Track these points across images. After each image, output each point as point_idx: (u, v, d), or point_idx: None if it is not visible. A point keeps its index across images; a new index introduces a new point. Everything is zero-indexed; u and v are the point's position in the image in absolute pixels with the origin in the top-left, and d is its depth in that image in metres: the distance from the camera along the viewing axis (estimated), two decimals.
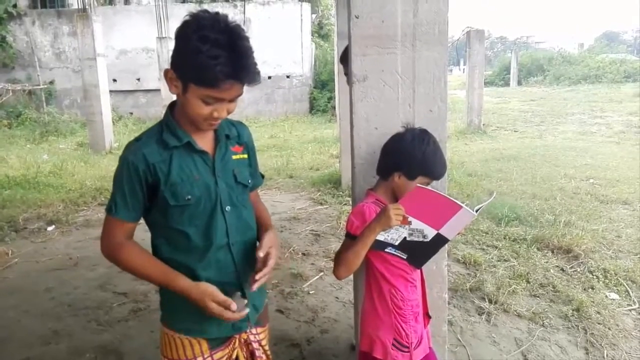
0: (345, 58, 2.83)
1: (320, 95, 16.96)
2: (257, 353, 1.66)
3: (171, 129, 1.49)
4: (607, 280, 3.90)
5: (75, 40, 12.61)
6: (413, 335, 1.80)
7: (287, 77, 17.13)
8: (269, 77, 16.73)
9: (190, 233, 1.50)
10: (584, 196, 6.28)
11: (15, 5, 15.93)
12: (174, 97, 1.51)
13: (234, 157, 1.59)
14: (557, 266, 4.19)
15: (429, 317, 1.97)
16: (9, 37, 15.84)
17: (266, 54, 15.52)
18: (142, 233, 1.59)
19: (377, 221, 1.65)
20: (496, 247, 4.60)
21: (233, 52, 1.31)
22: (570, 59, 28.55)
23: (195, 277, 1.50)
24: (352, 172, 2.12)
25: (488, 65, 33.79)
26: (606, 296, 3.68)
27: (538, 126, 13.35)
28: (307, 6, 17.11)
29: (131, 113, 16.63)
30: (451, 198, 1.61)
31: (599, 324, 3.28)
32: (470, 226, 4.96)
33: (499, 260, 4.33)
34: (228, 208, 1.54)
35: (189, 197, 1.47)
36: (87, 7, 11.01)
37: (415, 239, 1.71)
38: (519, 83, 27.06)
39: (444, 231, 1.69)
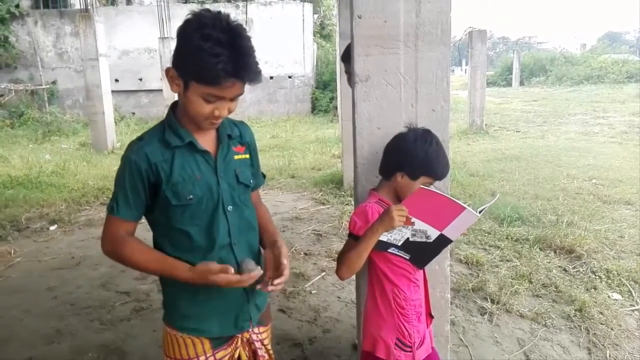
0: (346, 56, 2.81)
1: (322, 96, 16.96)
2: (260, 352, 1.66)
3: (173, 128, 1.50)
4: (610, 281, 3.89)
5: (77, 40, 12.62)
6: (416, 335, 1.80)
7: (289, 77, 17.14)
8: (271, 78, 16.75)
9: (192, 233, 1.50)
10: (586, 196, 6.27)
11: (17, 6, 15.97)
12: (176, 97, 1.51)
13: (236, 157, 1.59)
14: (559, 266, 4.19)
15: (432, 317, 1.97)
16: (12, 37, 15.88)
17: (268, 54, 15.55)
18: (144, 233, 1.59)
19: (380, 222, 1.65)
20: (498, 247, 4.59)
21: (235, 50, 1.31)
22: (572, 59, 28.49)
23: None
24: (354, 172, 2.12)
25: (490, 66, 33.82)
26: (609, 296, 3.67)
27: (540, 126, 13.33)
28: (309, 6, 17.11)
29: (133, 113, 16.66)
30: (454, 199, 1.61)
31: (601, 324, 3.27)
32: (472, 226, 4.95)
33: (501, 261, 4.32)
34: (230, 208, 1.54)
35: (191, 196, 1.47)
36: (89, 7, 11.04)
37: (418, 240, 1.71)
38: (521, 83, 27.03)
39: (447, 232, 1.69)
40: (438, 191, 1.64)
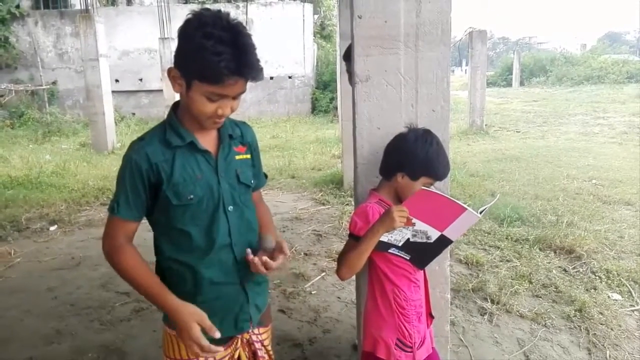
0: (348, 55, 2.82)
1: (322, 96, 16.97)
2: (260, 353, 1.66)
3: (174, 128, 1.50)
4: (610, 281, 3.89)
5: (77, 40, 12.63)
6: (416, 336, 1.80)
7: (289, 77, 17.15)
8: (271, 78, 16.75)
9: (193, 233, 1.50)
10: (586, 197, 6.27)
11: (18, 6, 16.00)
12: (177, 98, 1.51)
13: (237, 157, 1.59)
14: (559, 267, 4.19)
15: (432, 317, 1.97)
16: (12, 37, 15.90)
17: (268, 54, 15.55)
18: (145, 233, 1.59)
19: (380, 223, 1.65)
20: (498, 248, 4.59)
21: (237, 48, 1.31)
22: (572, 59, 28.47)
23: (197, 277, 1.51)
24: (354, 172, 2.12)
25: (490, 66, 33.83)
26: (609, 297, 3.67)
27: (540, 127, 13.33)
28: (309, 7, 17.12)
29: (133, 113, 16.67)
30: (455, 200, 1.61)
31: (601, 324, 3.27)
32: (472, 227, 4.94)
33: (501, 261, 4.32)
34: (230, 208, 1.54)
35: (192, 196, 1.47)
36: (89, 7, 11.06)
37: (419, 240, 1.71)
38: (522, 84, 27.03)
39: (447, 232, 1.69)
40: (439, 192, 1.64)
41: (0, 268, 4.52)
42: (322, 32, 20.39)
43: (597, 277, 3.96)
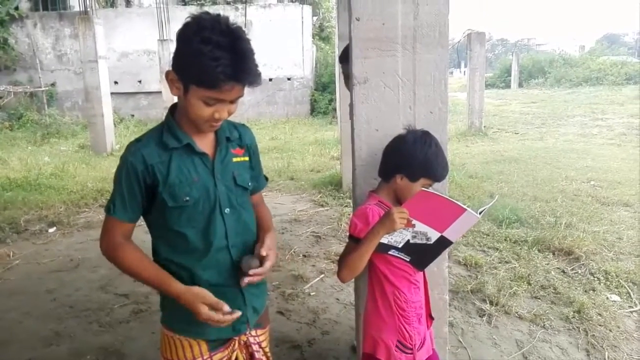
0: (344, 57, 2.82)
1: (321, 97, 16.98)
2: (257, 355, 1.66)
3: (171, 130, 1.50)
4: (608, 282, 3.90)
5: (76, 42, 12.64)
6: (416, 337, 1.81)
7: (288, 79, 17.15)
8: (270, 80, 16.75)
9: (189, 234, 1.51)
10: (584, 198, 6.28)
11: (17, 8, 16.00)
12: (175, 99, 1.51)
13: (234, 159, 1.59)
14: (558, 268, 4.19)
15: (432, 318, 1.97)
16: (11, 39, 15.90)
17: (267, 56, 15.55)
18: (143, 235, 1.60)
19: (381, 224, 1.65)
20: (497, 249, 4.60)
21: (234, 54, 1.31)
22: (571, 61, 28.50)
23: (194, 279, 1.51)
24: (353, 174, 2.12)
25: (489, 68, 33.84)
26: (607, 298, 3.67)
27: (539, 128, 13.34)
28: (308, 8, 17.14)
29: (132, 115, 16.66)
30: (455, 201, 1.62)
31: (600, 325, 3.28)
32: (471, 228, 4.95)
33: (500, 262, 4.33)
34: (227, 210, 1.54)
35: (187, 198, 1.48)
36: (88, 9, 11.06)
37: (419, 242, 1.71)
38: (520, 85, 27.05)
39: (447, 234, 1.69)
40: (438, 193, 1.65)
41: None
42: (321, 34, 20.41)
43: (595, 279, 3.96)
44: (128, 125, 14.77)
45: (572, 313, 3.42)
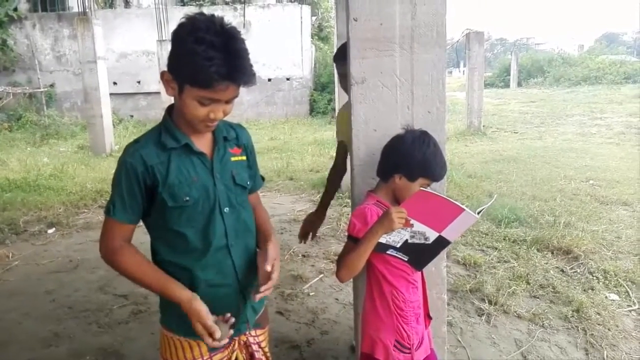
0: (339, 56, 2.76)
1: (320, 98, 16.98)
2: (257, 355, 1.66)
3: (169, 130, 1.50)
4: (607, 281, 3.90)
5: (75, 43, 12.64)
6: (414, 337, 1.81)
7: (287, 79, 17.15)
8: (269, 80, 16.76)
9: (189, 234, 1.51)
10: (583, 197, 6.29)
11: (16, 9, 15.99)
12: (173, 100, 1.51)
13: (232, 158, 1.59)
14: (557, 267, 4.20)
15: (430, 318, 1.97)
16: (10, 40, 15.89)
17: (266, 56, 15.57)
18: (142, 236, 1.60)
19: (379, 224, 1.65)
20: (496, 249, 4.60)
21: (228, 53, 1.32)
22: (570, 60, 28.52)
23: (193, 279, 1.51)
24: (351, 174, 2.12)
25: (488, 67, 33.82)
26: (606, 297, 3.68)
27: (538, 127, 13.35)
28: (307, 9, 17.14)
29: (131, 116, 16.67)
30: (453, 201, 1.62)
31: (598, 324, 3.28)
32: (470, 228, 4.96)
33: (498, 262, 4.33)
34: (226, 209, 1.55)
35: (187, 198, 1.48)
36: (87, 10, 11.05)
37: (417, 242, 1.72)
38: (519, 84, 27.05)
39: (445, 234, 1.69)
40: (437, 193, 1.65)
41: None
42: (319, 34, 20.41)
43: (594, 278, 3.97)
44: (127, 126, 14.77)
45: (571, 312, 3.43)
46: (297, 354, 3.05)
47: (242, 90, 1.42)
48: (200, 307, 1.44)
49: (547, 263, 4.26)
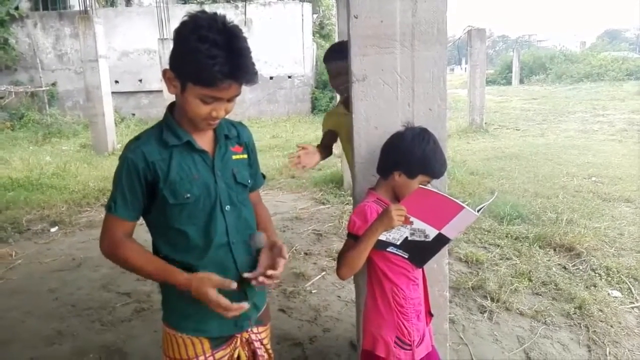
0: (328, 57, 2.79)
1: (321, 95, 16.96)
2: (259, 352, 1.67)
3: (171, 128, 1.51)
4: (610, 278, 3.90)
5: (77, 42, 12.64)
6: (415, 334, 1.81)
7: (289, 77, 17.14)
8: (271, 78, 16.76)
9: (190, 232, 1.51)
10: (586, 194, 6.28)
11: (17, 8, 16.00)
12: (175, 98, 1.52)
13: (233, 157, 1.60)
14: (559, 264, 4.19)
15: (431, 315, 1.97)
16: (11, 39, 15.90)
17: (268, 54, 15.57)
18: (144, 234, 1.60)
19: (379, 222, 1.66)
20: (498, 246, 4.60)
21: (231, 52, 1.32)
22: (572, 57, 28.43)
23: None
24: (352, 171, 2.13)
25: (490, 64, 33.74)
26: (608, 294, 3.67)
27: (540, 124, 13.33)
28: (308, 6, 17.12)
29: (133, 114, 16.68)
30: (453, 198, 1.62)
31: (601, 321, 3.28)
32: (472, 225, 4.95)
33: (501, 259, 4.33)
34: (228, 207, 1.55)
35: (188, 195, 1.48)
36: (88, 8, 11.05)
37: (417, 239, 1.72)
38: (521, 81, 26.98)
39: (445, 231, 1.70)
40: (437, 190, 1.65)
41: (2, 270, 4.53)
42: (321, 32, 20.38)
43: (596, 275, 3.96)
44: (129, 125, 14.78)
45: (573, 309, 3.43)
46: (300, 351, 3.06)
47: (244, 88, 1.42)
48: (204, 273, 1.45)
49: (549, 260, 4.25)
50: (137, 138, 1.52)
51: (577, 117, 14.11)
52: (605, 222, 5.18)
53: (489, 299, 3.62)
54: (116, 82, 15.64)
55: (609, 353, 2.96)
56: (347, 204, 6.16)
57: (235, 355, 1.63)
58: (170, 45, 1.40)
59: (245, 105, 16.35)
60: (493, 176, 7.45)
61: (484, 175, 7.48)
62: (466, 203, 1.63)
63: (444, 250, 2.11)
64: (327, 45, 18.51)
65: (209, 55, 1.29)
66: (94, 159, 10.04)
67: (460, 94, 18.68)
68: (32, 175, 8.09)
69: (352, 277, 2.13)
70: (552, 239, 4.62)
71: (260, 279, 1.51)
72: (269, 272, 1.50)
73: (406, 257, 1.77)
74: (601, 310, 3.40)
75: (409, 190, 1.70)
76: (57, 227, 5.71)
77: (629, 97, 16.85)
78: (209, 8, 13.95)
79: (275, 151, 10.36)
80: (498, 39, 76.28)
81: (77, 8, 14.46)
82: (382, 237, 1.70)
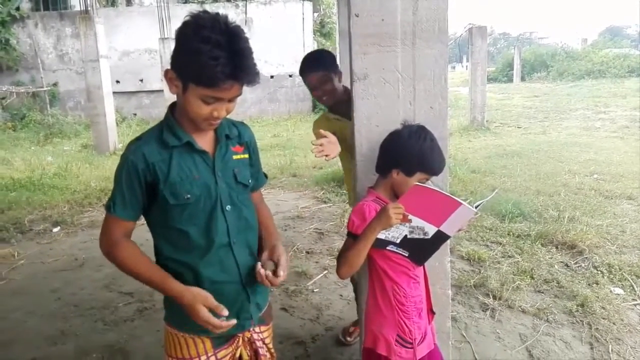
0: (304, 70, 2.67)
1: None
2: (261, 351, 1.67)
3: (171, 128, 1.51)
4: (612, 275, 3.90)
5: (78, 42, 12.64)
6: (416, 332, 1.81)
7: (290, 76, 17.12)
8: (272, 77, 16.76)
9: (191, 232, 1.51)
10: (587, 192, 6.27)
11: (18, 8, 16.01)
12: (176, 98, 1.52)
13: (234, 156, 1.60)
14: (561, 262, 4.19)
15: (433, 313, 1.97)
16: (13, 39, 15.89)
17: (268, 53, 15.55)
18: (146, 234, 1.60)
19: (377, 220, 1.65)
20: (500, 244, 4.60)
21: (233, 53, 1.32)
22: (573, 54, 28.35)
23: (197, 277, 1.52)
24: (353, 170, 2.13)
25: (491, 62, 33.70)
26: (611, 291, 3.67)
27: (542, 122, 13.31)
28: (308, 5, 17.10)
29: (135, 114, 16.69)
30: (450, 195, 1.61)
31: (603, 319, 3.27)
32: (474, 223, 4.96)
33: (503, 257, 4.33)
34: (228, 207, 1.55)
35: (189, 196, 1.48)
36: (89, 8, 11.05)
37: (416, 237, 1.71)
38: (522, 79, 26.93)
39: (444, 228, 1.69)
40: (433, 188, 1.64)
41: (4, 270, 4.54)
42: (322, 30, 20.37)
43: (599, 272, 3.96)
44: (130, 124, 14.81)
45: (575, 307, 3.42)
46: (302, 350, 3.06)
47: (245, 87, 1.42)
48: (203, 291, 1.46)
49: (551, 258, 4.25)
50: (138, 138, 1.53)
51: (579, 115, 14.09)
52: (607, 219, 5.18)
53: (491, 296, 3.62)
54: (117, 82, 15.64)
55: (612, 350, 2.96)
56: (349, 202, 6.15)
57: (237, 355, 1.64)
58: (171, 45, 1.40)
59: (247, 105, 16.35)
60: (495, 174, 7.44)
61: (486, 173, 7.47)
62: (467, 201, 1.63)
63: (446, 248, 2.11)
64: (328, 44, 18.58)
65: (211, 56, 1.29)
66: (96, 159, 10.06)
67: (462, 92, 18.67)
68: (34, 175, 8.11)
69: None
70: (554, 236, 4.62)
71: (263, 271, 1.52)
72: (270, 275, 1.51)
73: (406, 255, 1.77)
74: (603, 308, 3.39)
75: (408, 188, 1.69)
76: (59, 227, 5.72)
77: (630, 94, 16.80)
78: (209, 7, 13.94)
79: (277, 150, 10.37)
80: (499, 36, 76.22)
81: (77, 8, 14.43)
82: (381, 236, 1.69)
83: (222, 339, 1.60)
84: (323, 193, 6.77)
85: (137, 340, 3.27)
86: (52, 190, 7.26)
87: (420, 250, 1.76)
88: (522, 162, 8.23)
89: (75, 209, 6.41)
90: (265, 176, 1.82)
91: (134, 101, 16.86)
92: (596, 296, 3.54)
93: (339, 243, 4.81)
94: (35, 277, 4.39)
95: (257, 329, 1.67)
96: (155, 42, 13.70)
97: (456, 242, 4.54)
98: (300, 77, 2.76)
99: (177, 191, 1.47)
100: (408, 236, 1.71)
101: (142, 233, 1.56)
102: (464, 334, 3.17)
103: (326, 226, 5.42)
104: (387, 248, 1.75)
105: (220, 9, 15.41)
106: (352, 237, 1.74)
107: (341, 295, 3.77)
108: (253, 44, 1.39)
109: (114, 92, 11.71)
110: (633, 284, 3.77)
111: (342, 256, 1.77)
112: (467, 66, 18.95)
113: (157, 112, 15.86)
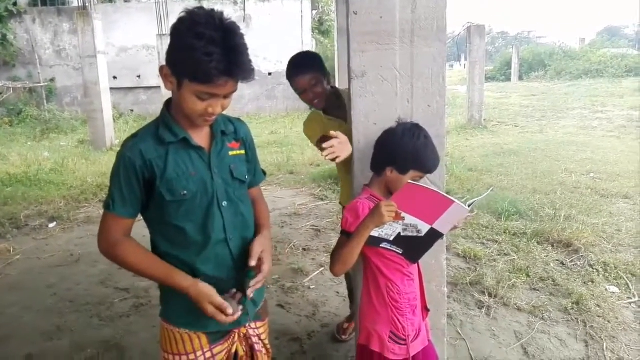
0: (290, 74, 2.63)
1: None
2: (257, 347, 1.67)
3: (167, 125, 1.50)
4: (607, 274, 3.91)
5: (75, 37, 12.63)
6: (410, 328, 1.81)
7: None
8: (270, 74, 16.74)
9: (187, 228, 1.51)
10: (584, 190, 6.29)
11: (15, 4, 15.96)
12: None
13: (230, 153, 1.60)
14: (557, 260, 4.21)
15: (428, 310, 1.98)
16: (10, 35, 15.85)
17: (266, 50, 15.53)
18: (143, 230, 1.60)
19: (370, 218, 1.66)
20: (496, 242, 4.61)
21: (228, 49, 1.32)
22: (571, 53, 28.42)
23: (194, 272, 1.52)
24: (350, 167, 2.13)
25: (489, 61, 33.71)
26: (606, 289, 3.69)
27: (539, 121, 13.34)
28: (307, 2, 17.08)
29: (132, 110, 16.67)
30: (443, 193, 1.62)
31: (598, 317, 3.29)
32: (470, 221, 4.97)
33: (499, 255, 4.34)
34: (225, 203, 1.55)
35: (185, 192, 1.48)
36: (87, 4, 11.01)
37: (410, 234, 1.72)
38: (520, 78, 26.95)
39: (437, 226, 1.69)
40: (425, 185, 1.65)
41: (0, 265, 4.53)
42: (320, 28, 20.33)
43: (594, 270, 3.98)
44: (127, 121, 14.76)
45: (570, 304, 3.44)
46: (298, 346, 3.07)
47: (243, 84, 1.42)
48: (207, 288, 1.47)
49: (547, 256, 4.27)
50: (134, 136, 1.52)
51: (576, 114, 14.12)
52: (603, 218, 5.20)
53: (486, 294, 3.63)
54: (114, 78, 15.61)
55: (606, 348, 2.97)
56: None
57: (233, 350, 1.64)
58: (169, 41, 1.40)
59: (244, 102, 16.35)
60: (492, 172, 7.46)
61: (483, 172, 7.49)
62: (463, 199, 1.63)
63: (442, 245, 2.11)
64: (327, 42, 18.55)
65: (205, 52, 1.29)
66: (92, 154, 10.04)
67: (460, 90, 18.69)
68: (30, 171, 8.08)
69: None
70: (550, 234, 4.64)
71: (249, 291, 1.53)
72: (252, 282, 1.53)
73: (400, 252, 1.77)
74: (599, 306, 3.41)
75: (402, 186, 1.70)
76: (55, 223, 5.71)
77: (628, 94, 16.86)
78: (207, 4, 13.91)
79: (274, 147, 10.37)
80: (497, 35, 76.28)
81: (75, 4, 14.40)
82: (375, 234, 1.70)
83: (218, 335, 1.60)
84: (320, 190, 6.77)
85: (133, 336, 3.27)
86: (49, 186, 7.24)
87: (414, 247, 1.76)
88: (519, 161, 8.25)
89: (72, 205, 6.39)
90: (264, 173, 1.82)
91: (131, 97, 16.83)
92: (591, 294, 3.56)
93: (335, 240, 4.76)
94: (31, 272, 4.39)
95: (253, 325, 1.67)
96: (153, 39, 13.66)
97: (452, 239, 4.55)
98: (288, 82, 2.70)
99: (173, 187, 1.47)
100: (402, 234, 1.72)
101: (139, 230, 1.56)
102: (460, 331, 3.18)
103: (323, 223, 5.43)
104: (381, 245, 1.75)
105: (219, 5, 15.38)
106: (346, 235, 1.75)
107: (337, 292, 3.78)
108: (251, 41, 1.39)
109: (111, 88, 11.68)
110: (628, 282, 3.78)
111: (335, 254, 1.77)
112: (465, 65, 18.95)
113: (155, 108, 15.83)
